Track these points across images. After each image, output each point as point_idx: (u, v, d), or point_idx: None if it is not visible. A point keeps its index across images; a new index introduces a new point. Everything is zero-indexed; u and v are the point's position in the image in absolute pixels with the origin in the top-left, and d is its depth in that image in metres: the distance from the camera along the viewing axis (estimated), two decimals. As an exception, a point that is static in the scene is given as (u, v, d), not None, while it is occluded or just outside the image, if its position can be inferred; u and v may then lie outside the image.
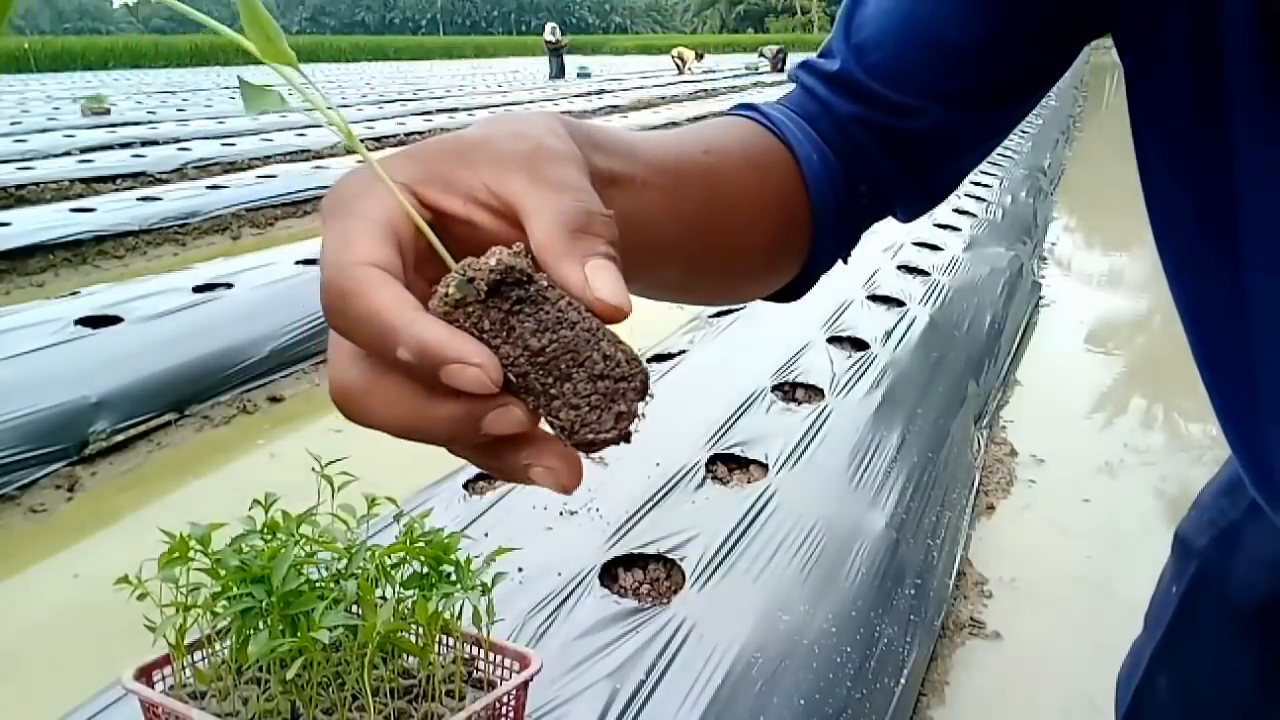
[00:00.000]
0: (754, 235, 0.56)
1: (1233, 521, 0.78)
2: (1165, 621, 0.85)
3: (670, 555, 1.68)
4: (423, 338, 0.30)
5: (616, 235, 0.34)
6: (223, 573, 1.00)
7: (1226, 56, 0.46)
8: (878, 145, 0.59)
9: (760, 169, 0.56)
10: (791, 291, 0.62)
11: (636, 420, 0.33)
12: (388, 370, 0.32)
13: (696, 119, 13.73)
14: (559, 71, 23.89)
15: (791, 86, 0.63)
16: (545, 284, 0.32)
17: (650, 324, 3.71)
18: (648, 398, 0.33)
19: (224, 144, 9.66)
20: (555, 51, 24.47)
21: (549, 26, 25.41)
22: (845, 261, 0.64)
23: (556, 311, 0.32)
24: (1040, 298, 4.54)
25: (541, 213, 0.33)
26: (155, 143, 9.92)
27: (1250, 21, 0.44)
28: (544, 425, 0.33)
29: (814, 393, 2.50)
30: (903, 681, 1.67)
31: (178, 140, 10.04)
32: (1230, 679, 0.80)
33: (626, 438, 0.33)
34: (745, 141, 0.57)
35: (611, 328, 0.33)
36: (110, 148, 9.51)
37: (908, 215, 0.64)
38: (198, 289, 3.93)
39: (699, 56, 27.42)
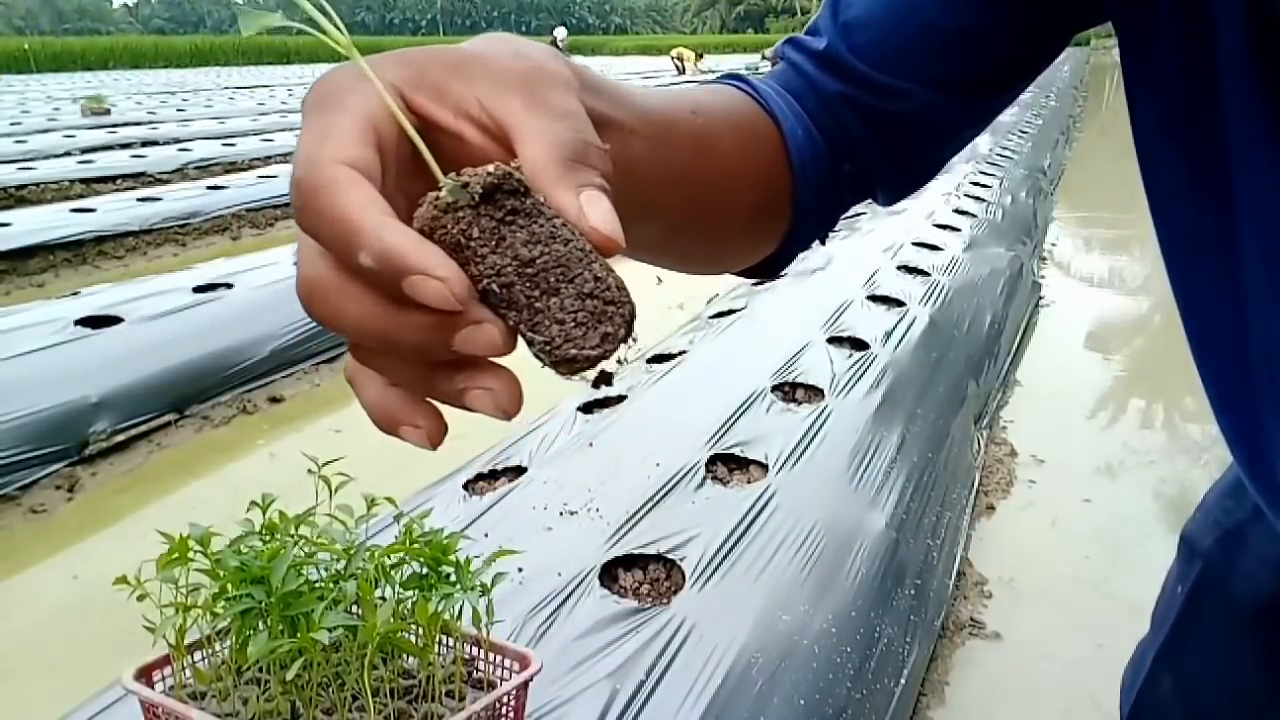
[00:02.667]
0: (737, 201, 0.55)
1: (1238, 522, 0.77)
2: (1170, 622, 0.85)
3: (670, 555, 1.68)
4: (388, 243, 0.28)
5: (611, 170, 0.34)
6: (222, 573, 1.00)
7: (1219, 25, 0.45)
8: (862, 125, 0.58)
9: (746, 136, 0.55)
10: (768, 268, 0.62)
11: (623, 348, 0.32)
12: (356, 273, 0.30)
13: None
14: None
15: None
16: (541, 200, 0.31)
17: (650, 324, 3.71)
18: (632, 338, 0.32)
19: (224, 144, 9.67)
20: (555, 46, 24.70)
21: (559, 33, 25.65)
22: (823, 243, 0.64)
23: (550, 227, 0.31)
24: (1040, 298, 4.54)
25: (537, 137, 0.32)
26: (155, 143, 9.92)
27: None
28: (522, 343, 0.32)
29: (814, 393, 2.50)
30: (903, 681, 1.67)
31: (178, 140, 10.04)
32: (1234, 679, 0.80)
33: (606, 361, 0.31)
34: (732, 108, 0.56)
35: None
36: (110, 148, 9.51)
37: (888, 198, 0.63)
38: (198, 289, 3.93)
39: (699, 57, 27.43)
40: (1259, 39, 0.45)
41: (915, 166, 0.61)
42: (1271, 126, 0.47)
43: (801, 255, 0.63)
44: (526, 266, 0.31)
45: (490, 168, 0.31)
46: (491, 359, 0.32)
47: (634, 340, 0.32)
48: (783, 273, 0.63)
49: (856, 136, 0.58)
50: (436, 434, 0.34)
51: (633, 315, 0.32)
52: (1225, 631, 0.80)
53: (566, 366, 0.31)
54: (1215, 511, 0.81)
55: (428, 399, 0.34)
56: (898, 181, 0.62)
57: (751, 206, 0.57)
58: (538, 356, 0.31)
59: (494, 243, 0.30)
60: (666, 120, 0.48)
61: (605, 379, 0.34)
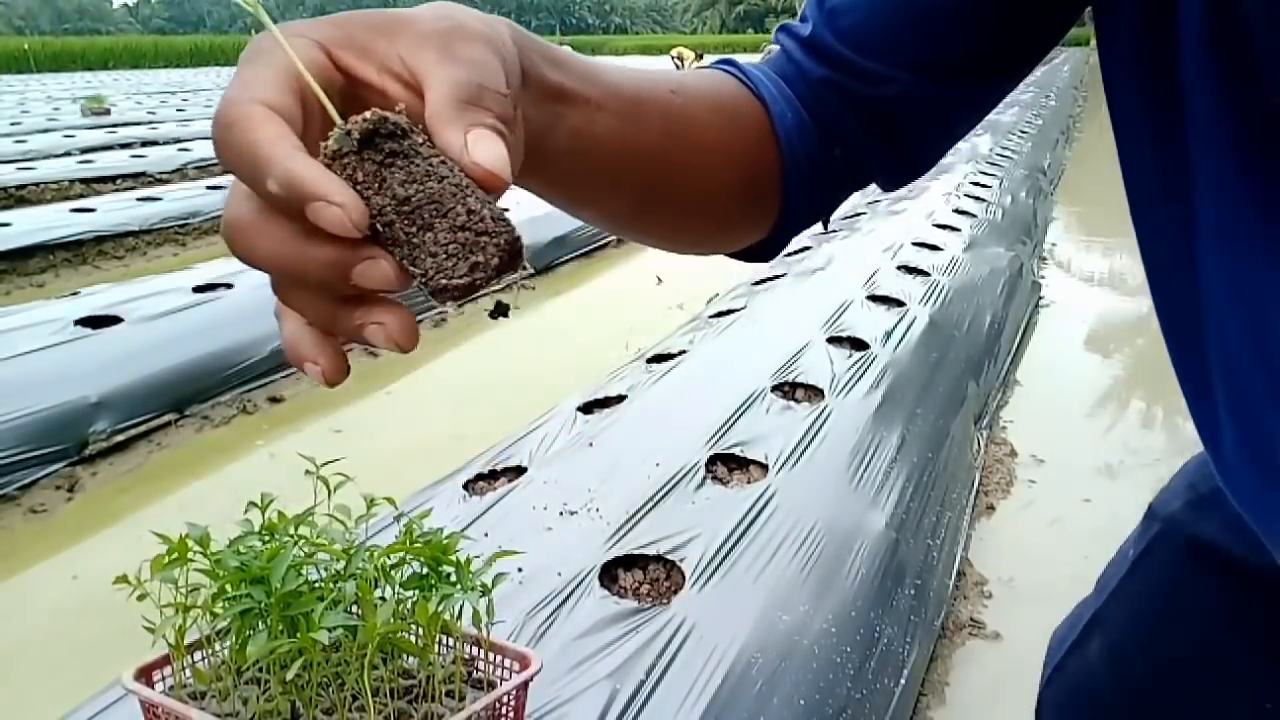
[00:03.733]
0: (717, 180, 0.56)
1: (1214, 488, 0.71)
2: (1113, 584, 0.83)
3: (670, 555, 1.68)
4: (292, 170, 0.30)
5: (510, 113, 0.35)
6: (222, 574, 1.00)
7: (1180, 13, 0.46)
8: (849, 111, 0.57)
9: (730, 118, 0.56)
10: (763, 251, 0.62)
11: (511, 275, 0.34)
12: (272, 209, 0.32)
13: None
14: None
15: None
16: (421, 141, 0.33)
17: (650, 324, 3.72)
18: (523, 266, 0.33)
19: (224, 144, 9.66)
20: None
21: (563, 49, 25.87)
22: (825, 227, 0.64)
23: (427, 166, 0.33)
24: (1040, 298, 4.54)
25: (439, 85, 0.34)
26: (155, 143, 9.92)
27: None
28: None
29: (814, 393, 2.50)
30: (903, 681, 1.67)
31: (178, 140, 10.04)
32: (1167, 644, 0.78)
33: (478, 290, 0.33)
34: (718, 91, 0.57)
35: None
36: (110, 148, 9.51)
37: (887, 184, 0.63)
38: (198, 289, 3.93)
39: (699, 56, 27.50)
40: (1216, 28, 0.46)
41: (905, 154, 0.60)
42: (1228, 119, 0.48)
43: (799, 245, 0.64)
44: (403, 204, 0.32)
45: (368, 113, 0.33)
46: (386, 296, 0.34)
47: (525, 269, 0.34)
48: (775, 257, 0.63)
49: (844, 122, 0.58)
50: (334, 373, 0.36)
51: (510, 243, 0.33)
52: (1166, 593, 0.79)
53: (440, 296, 0.33)
54: (1192, 475, 0.78)
55: (334, 340, 0.36)
56: (893, 168, 0.61)
57: (737, 187, 0.57)
58: (420, 289, 0.33)
59: (377, 185, 0.32)
60: (637, 97, 0.49)
61: (501, 310, 0.36)
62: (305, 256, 0.32)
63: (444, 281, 0.32)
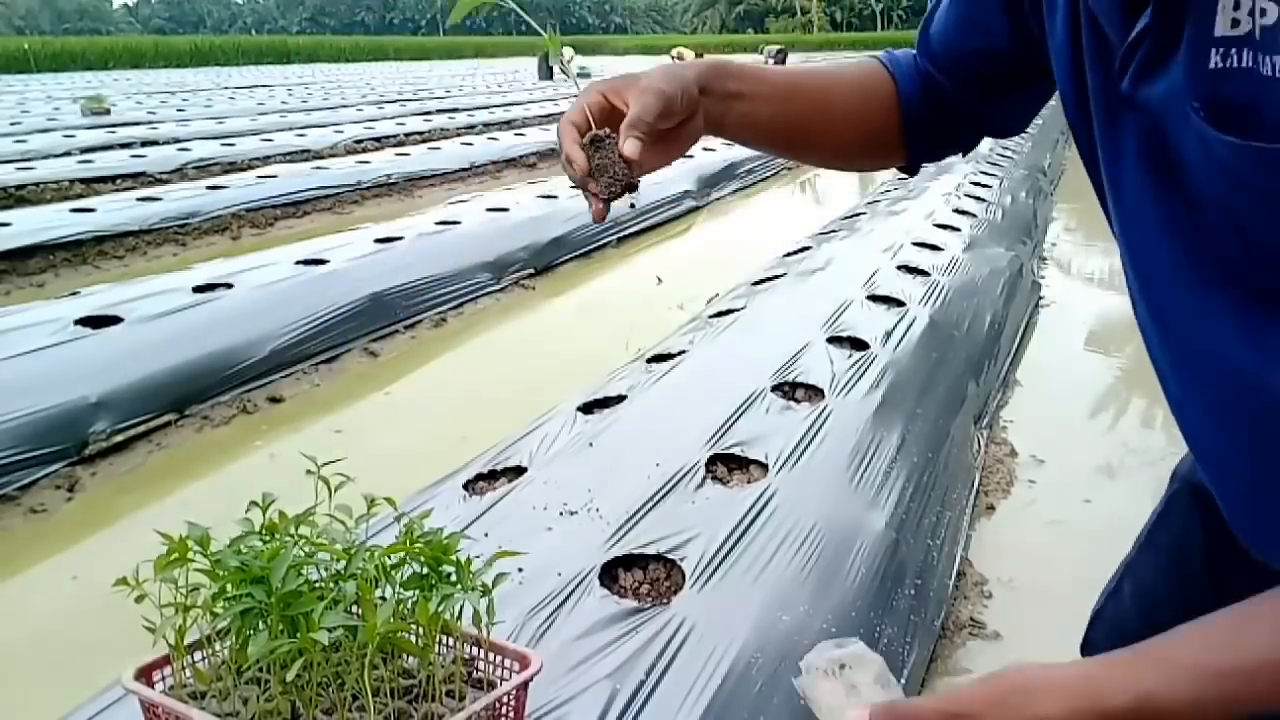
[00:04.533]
0: (849, 140, 0.91)
1: None
2: (1142, 537, 0.98)
3: (670, 555, 1.68)
4: (565, 148, 0.76)
5: (648, 124, 0.74)
6: (222, 574, 1.00)
7: (1056, 19, 0.69)
8: (945, 92, 0.89)
9: (865, 95, 0.90)
10: (909, 169, 0.95)
11: (626, 195, 0.77)
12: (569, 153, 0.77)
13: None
14: (547, 74, 24.62)
15: None
16: (611, 140, 0.76)
17: (650, 324, 3.72)
18: (633, 192, 0.77)
19: (224, 144, 9.66)
20: (548, 59, 25.11)
21: (566, 52, 26.10)
22: (964, 155, 0.98)
23: (612, 151, 0.76)
24: (1040, 298, 4.54)
25: (628, 114, 0.75)
26: (155, 143, 9.92)
27: None
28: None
29: (814, 393, 2.50)
30: (902, 682, 1.67)
31: (178, 140, 10.04)
32: (1184, 577, 0.88)
33: (616, 198, 0.77)
34: (862, 75, 0.91)
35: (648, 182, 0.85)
36: (110, 148, 9.51)
37: (992, 134, 0.94)
38: (198, 289, 3.92)
39: (698, 56, 27.61)
40: (1076, 30, 0.66)
41: (987, 122, 0.92)
42: (1083, 116, 0.68)
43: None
44: (599, 164, 0.76)
45: (595, 130, 0.76)
46: (598, 190, 0.76)
47: (634, 192, 0.77)
48: (915, 175, 0.97)
49: (947, 96, 0.89)
50: (599, 215, 0.79)
51: (629, 184, 0.76)
52: (1179, 535, 0.91)
53: (607, 199, 0.76)
54: None
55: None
56: (982, 127, 0.93)
57: (861, 142, 0.92)
58: (601, 194, 0.76)
59: (596, 154, 0.76)
60: (792, 90, 0.86)
61: (630, 192, 0.77)
62: (578, 166, 0.76)
63: (606, 194, 0.76)
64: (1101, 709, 0.52)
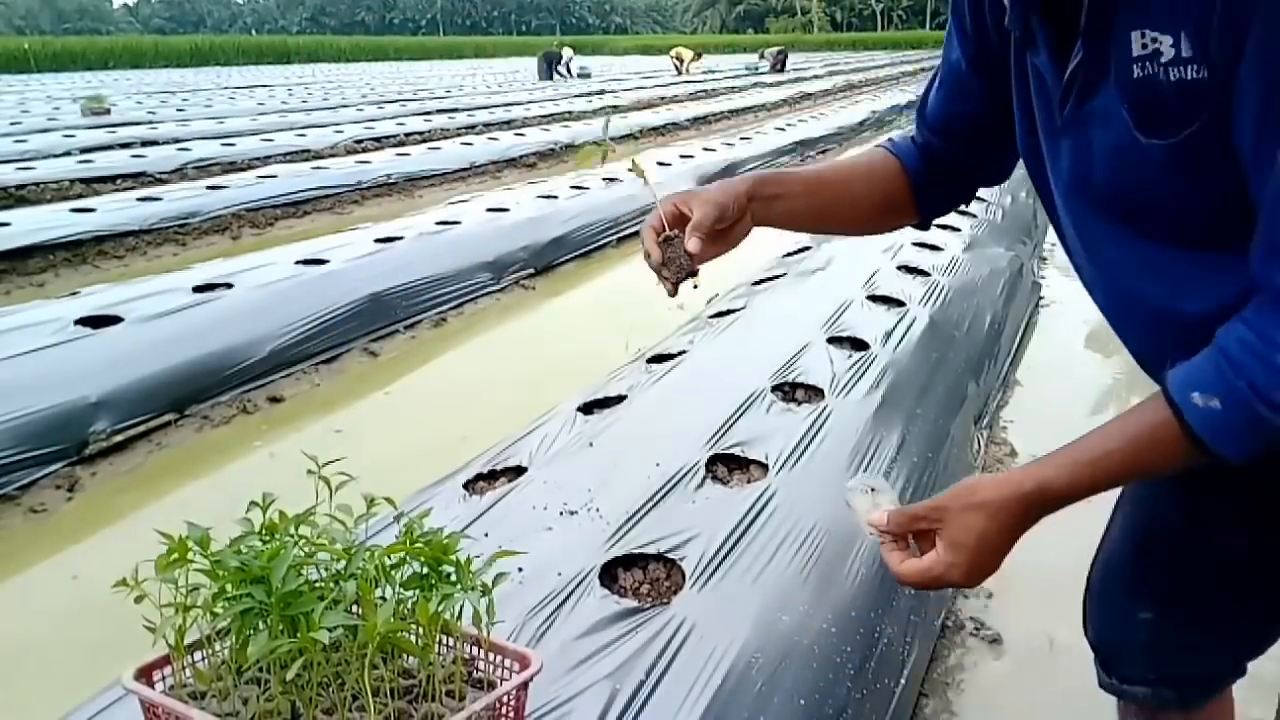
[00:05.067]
0: (867, 212, 1.14)
1: None
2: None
3: (670, 555, 1.68)
4: (646, 245, 0.98)
5: (706, 228, 0.95)
6: (222, 574, 1.00)
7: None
8: (942, 156, 1.12)
9: (876, 176, 1.12)
10: (922, 225, 1.17)
11: (689, 279, 0.98)
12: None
13: (696, 119, 13.75)
14: (548, 74, 24.71)
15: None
16: (680, 238, 0.96)
17: (650, 324, 3.71)
18: (696, 279, 0.98)
19: (224, 144, 9.66)
20: (549, 60, 25.26)
21: (566, 53, 26.26)
22: (967, 203, 1.19)
23: (678, 246, 0.96)
24: (1040, 298, 4.54)
25: (691, 220, 0.96)
26: (155, 143, 9.92)
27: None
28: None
29: (814, 393, 2.50)
30: (903, 681, 1.67)
31: (178, 140, 10.04)
32: (1162, 500, 1.07)
33: (682, 283, 0.98)
34: (871, 162, 1.14)
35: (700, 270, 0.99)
36: (110, 148, 9.51)
37: (989, 181, 1.16)
38: (198, 289, 3.92)
39: (697, 56, 27.73)
40: (1025, 82, 0.92)
41: (979, 174, 1.15)
42: (1032, 145, 0.93)
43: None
44: (667, 256, 0.97)
45: (668, 231, 0.97)
46: (668, 275, 0.98)
47: (695, 277, 0.98)
48: (930, 226, 1.17)
49: (945, 158, 1.12)
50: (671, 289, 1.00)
51: (690, 272, 0.97)
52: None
53: (674, 285, 0.98)
54: None
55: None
56: (975, 179, 1.15)
57: (878, 211, 1.14)
58: (668, 280, 0.98)
59: (665, 250, 0.97)
60: (820, 183, 1.09)
61: (692, 277, 0.98)
62: (654, 255, 0.98)
63: (674, 278, 0.97)
64: (1018, 491, 0.83)
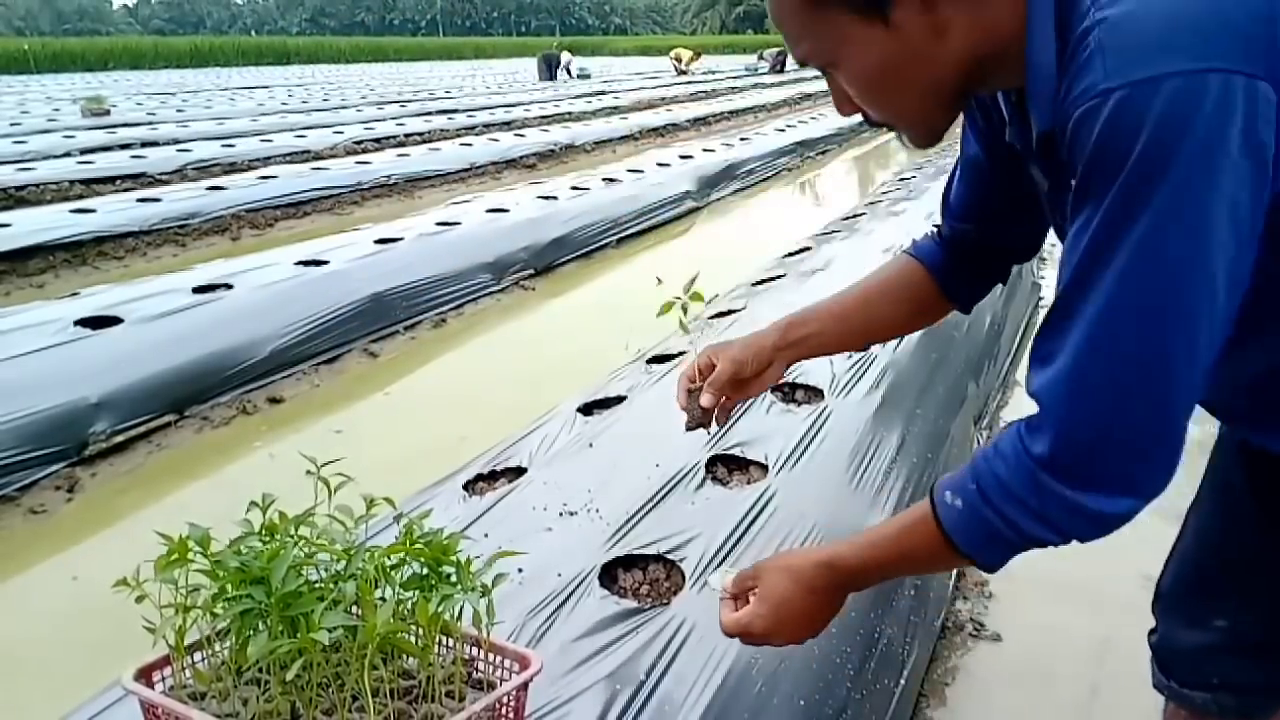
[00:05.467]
0: (896, 322, 1.23)
1: None
2: (1198, 491, 1.14)
3: (670, 556, 1.68)
4: (679, 396, 1.13)
5: (719, 384, 1.09)
6: (222, 574, 1.00)
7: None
8: (969, 243, 1.15)
9: (900, 286, 1.19)
10: (964, 310, 1.22)
11: (705, 425, 1.13)
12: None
13: (696, 119, 13.74)
14: (548, 75, 24.78)
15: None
16: (701, 389, 1.10)
17: (651, 324, 3.72)
18: (708, 429, 1.14)
19: (224, 145, 9.66)
20: (549, 61, 25.36)
21: (565, 56, 26.40)
22: (1004, 283, 1.21)
23: (700, 406, 1.10)
24: (1040, 298, 4.54)
25: (714, 374, 1.10)
26: (155, 144, 9.92)
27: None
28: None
29: (814, 393, 2.50)
30: (903, 682, 1.67)
31: (177, 141, 10.04)
32: (1228, 509, 1.08)
33: (701, 428, 1.13)
34: (893, 273, 1.20)
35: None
36: (110, 149, 9.52)
37: (1022, 257, 1.18)
38: (198, 290, 3.92)
39: (696, 57, 27.83)
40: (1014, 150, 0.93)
41: (1012, 251, 1.17)
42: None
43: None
44: (688, 405, 1.12)
45: (697, 383, 1.12)
46: (689, 422, 1.13)
47: (708, 432, 1.15)
48: (972, 309, 1.22)
49: (976, 242, 1.14)
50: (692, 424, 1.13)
51: (706, 421, 1.12)
52: (1222, 473, 1.10)
53: (690, 426, 1.14)
54: None
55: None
56: (1009, 257, 1.18)
57: (907, 317, 1.22)
58: (693, 428, 1.14)
59: (690, 400, 1.12)
60: (843, 313, 1.17)
61: (704, 428, 1.14)
62: (687, 412, 1.12)
63: (693, 425, 1.13)
64: (814, 560, 0.95)
